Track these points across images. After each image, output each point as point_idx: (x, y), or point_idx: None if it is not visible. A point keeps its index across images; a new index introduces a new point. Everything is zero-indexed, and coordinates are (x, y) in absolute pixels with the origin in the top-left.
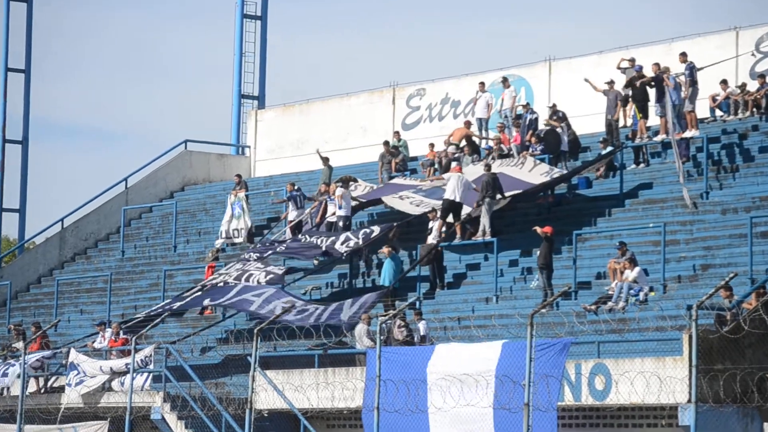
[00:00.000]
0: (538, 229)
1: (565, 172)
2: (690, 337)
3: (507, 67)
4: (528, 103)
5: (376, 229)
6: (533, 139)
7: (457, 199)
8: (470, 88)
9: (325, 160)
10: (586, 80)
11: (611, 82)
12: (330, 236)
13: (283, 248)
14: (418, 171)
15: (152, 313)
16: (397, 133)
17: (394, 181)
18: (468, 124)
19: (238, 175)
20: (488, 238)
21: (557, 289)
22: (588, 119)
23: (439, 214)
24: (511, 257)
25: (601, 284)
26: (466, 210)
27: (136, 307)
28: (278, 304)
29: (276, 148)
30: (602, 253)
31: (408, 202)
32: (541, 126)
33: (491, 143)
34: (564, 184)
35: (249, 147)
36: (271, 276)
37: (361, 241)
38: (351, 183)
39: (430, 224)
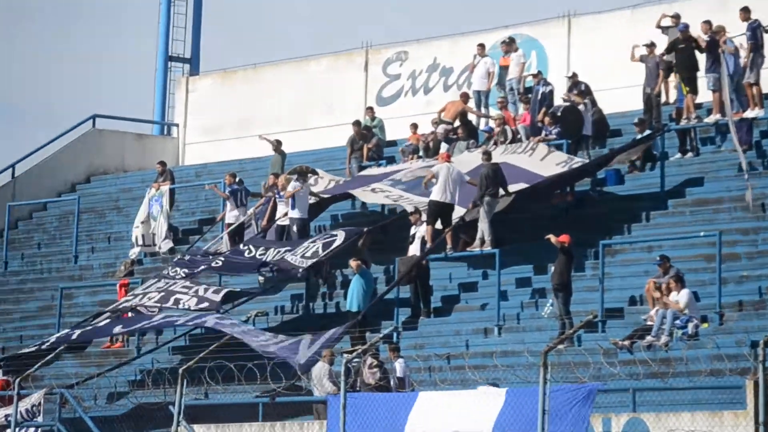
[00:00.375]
0: (553, 238)
1: (588, 161)
2: (756, 384)
3: (514, 24)
4: (540, 72)
5: (341, 236)
6: (547, 120)
7: (448, 200)
8: (466, 52)
9: (276, 144)
10: (635, 47)
11: (651, 45)
12: (280, 246)
13: (220, 262)
14: (397, 160)
15: (44, 347)
16: (370, 109)
17: (366, 172)
18: (465, 96)
19: (162, 163)
20: (488, 249)
21: (578, 318)
22: (619, 93)
23: (423, 216)
24: (517, 275)
25: (636, 312)
26: (458, 212)
27: (21, 337)
28: (211, 319)
29: (212, 128)
30: (638, 270)
31: (383, 196)
32: (558, 102)
33: (492, 124)
34: (587, 177)
35: (177, 125)
36: (206, 303)
37: (320, 252)
38: (309, 175)
39: (413, 230)
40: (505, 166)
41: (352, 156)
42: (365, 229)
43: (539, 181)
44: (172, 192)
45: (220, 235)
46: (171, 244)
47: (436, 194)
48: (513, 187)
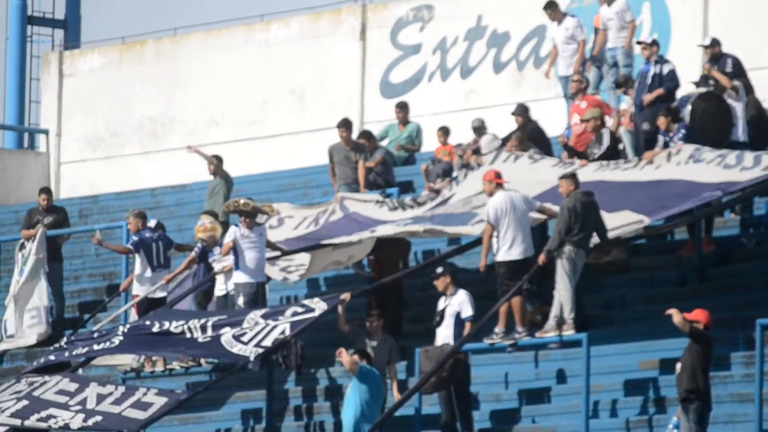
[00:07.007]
0: (677, 316)
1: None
2: None
3: None
4: (654, 43)
5: (319, 309)
6: (661, 120)
7: (531, 253)
8: (529, 7)
9: (216, 162)
10: None
11: None
12: (208, 318)
13: (116, 341)
14: (418, 188)
15: None
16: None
17: (361, 210)
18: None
19: (46, 191)
20: (569, 333)
21: None
22: None
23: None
24: (617, 376)
25: None
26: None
27: None
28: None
29: (104, 136)
30: None
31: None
32: (686, 89)
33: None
34: (735, 215)
35: (46, 132)
36: (99, 418)
37: (286, 330)
38: (263, 215)
39: (441, 303)
40: (599, 189)
41: (339, 178)
42: (342, 297)
43: (694, 201)
44: (52, 243)
45: (120, 309)
46: (44, 330)
47: (511, 249)
48: (615, 220)
